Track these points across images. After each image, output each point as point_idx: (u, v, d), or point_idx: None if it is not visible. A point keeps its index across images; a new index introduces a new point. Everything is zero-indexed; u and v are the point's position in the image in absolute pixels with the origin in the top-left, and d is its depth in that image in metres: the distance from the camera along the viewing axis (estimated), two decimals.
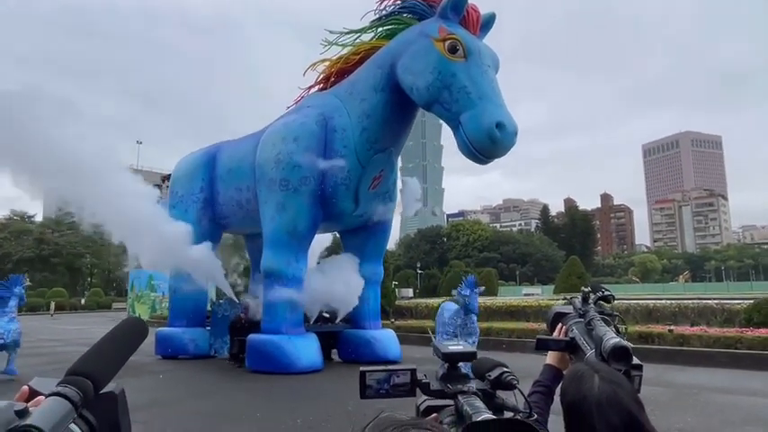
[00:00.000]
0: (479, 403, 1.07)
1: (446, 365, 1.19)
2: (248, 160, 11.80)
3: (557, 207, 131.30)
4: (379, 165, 10.80)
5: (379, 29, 10.88)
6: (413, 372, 1.18)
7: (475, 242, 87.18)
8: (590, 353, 1.60)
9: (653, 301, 18.23)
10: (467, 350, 1.21)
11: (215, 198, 12.99)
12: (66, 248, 63.44)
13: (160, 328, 13.40)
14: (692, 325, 13.69)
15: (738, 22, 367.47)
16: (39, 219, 77.44)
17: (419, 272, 65.95)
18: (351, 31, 11.22)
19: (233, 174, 12.50)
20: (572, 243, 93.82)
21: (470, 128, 8.66)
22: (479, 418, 0.99)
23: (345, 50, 11.30)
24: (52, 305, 45.07)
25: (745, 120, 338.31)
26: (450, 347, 1.21)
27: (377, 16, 10.90)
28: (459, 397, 1.10)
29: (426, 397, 1.17)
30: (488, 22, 10.07)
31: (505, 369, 1.17)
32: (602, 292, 1.84)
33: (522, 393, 1.17)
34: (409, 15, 10.45)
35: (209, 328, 13.16)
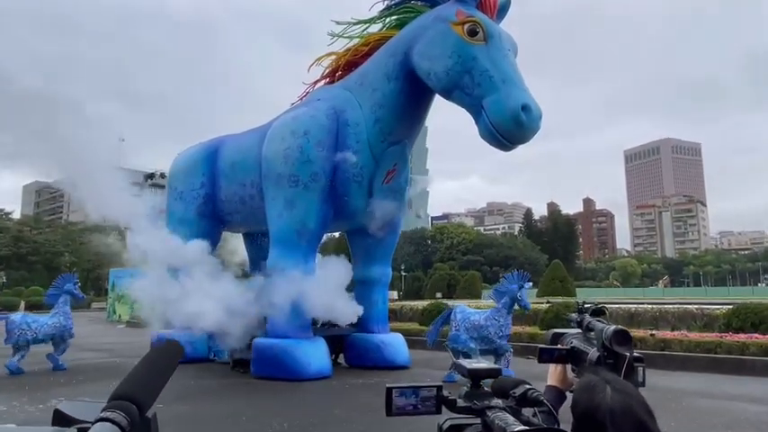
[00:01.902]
0: (510, 417, 1.06)
1: (469, 383, 1.20)
2: (253, 155, 11.22)
3: (540, 211, 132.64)
4: (393, 158, 10.34)
5: (388, 18, 10.54)
6: (439, 389, 1.17)
7: (459, 245, 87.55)
8: (592, 351, 1.65)
9: (634, 306, 18.46)
10: (491, 367, 1.22)
11: (216, 194, 12.27)
12: (44, 247, 62.39)
13: (156, 332, 12.68)
14: (672, 329, 13.85)
15: (714, 34, 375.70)
16: (16, 216, 76.00)
17: (403, 274, 66.06)
18: (359, 22, 10.84)
19: (236, 169, 11.88)
20: (555, 247, 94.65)
21: (495, 112, 8.30)
22: (516, 430, 0.98)
23: (352, 43, 10.89)
24: (22, 304, 44.26)
25: (723, 129, 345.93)
26: (473, 365, 1.21)
27: (385, 6, 10.57)
28: (488, 412, 1.10)
29: (448, 416, 1.16)
30: (504, 6, 9.85)
31: (528, 386, 1.18)
32: (595, 305, 1.97)
33: (551, 408, 1.18)
34: (420, 3, 10.14)
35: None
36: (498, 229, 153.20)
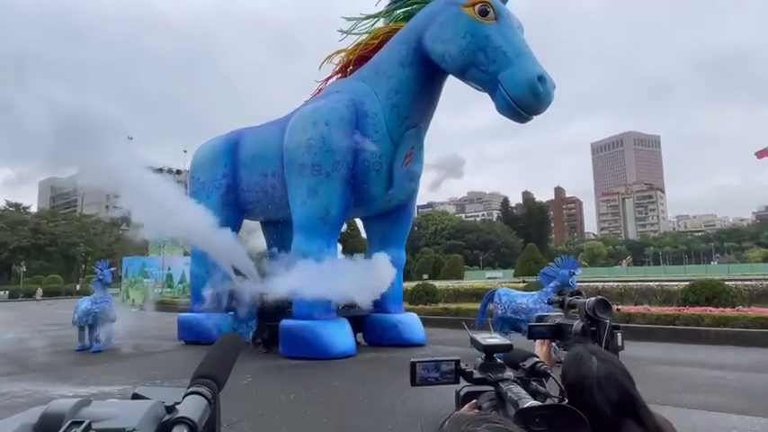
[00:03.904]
0: (521, 390, 1.10)
1: (484, 356, 1.21)
2: (274, 146, 10.89)
3: (516, 199, 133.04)
4: (410, 141, 10.00)
5: (395, 12, 10.33)
6: (457, 362, 1.21)
7: (443, 231, 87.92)
8: (576, 322, 1.75)
9: (600, 283, 18.76)
10: (503, 343, 1.24)
11: (238, 184, 11.91)
12: (60, 238, 61.62)
13: (182, 314, 12.36)
14: (635, 304, 14.10)
15: (668, 38, 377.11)
16: (34, 209, 74.87)
17: None
18: (367, 17, 10.60)
19: (257, 159, 11.47)
20: (529, 231, 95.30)
21: (512, 84, 8.06)
22: (527, 405, 1.01)
23: (361, 38, 10.63)
24: (39, 291, 43.87)
25: (679, 122, 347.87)
26: (488, 340, 1.23)
27: (391, 0, 10.35)
28: (501, 384, 1.13)
29: (465, 384, 1.20)
30: None
31: (537, 359, 1.21)
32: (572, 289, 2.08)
33: (555, 380, 1.21)
34: None
35: (232, 312, 11.93)
36: (478, 216, 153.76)
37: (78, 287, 50.13)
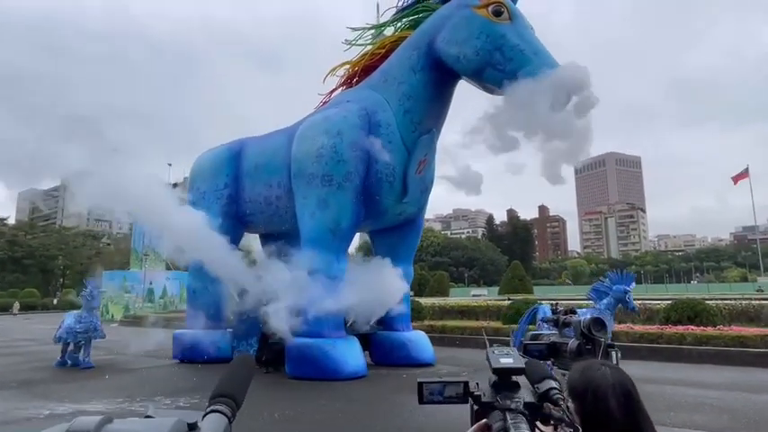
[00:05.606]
0: (525, 427, 1.08)
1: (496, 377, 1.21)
2: (280, 155, 10.48)
3: (500, 217, 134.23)
4: (424, 147, 9.74)
5: (401, 22, 10.28)
6: (465, 384, 1.21)
7: (428, 247, 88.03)
8: (571, 341, 1.79)
9: (584, 302, 18.88)
10: (516, 366, 1.22)
11: (240, 195, 11.42)
12: (38, 250, 60.23)
13: (177, 330, 11.71)
14: (619, 322, 14.21)
15: (644, 62, 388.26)
16: (11, 221, 73.38)
17: None
18: (373, 26, 10.53)
19: (261, 169, 11.03)
20: (514, 249, 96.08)
21: None
22: None
23: (367, 49, 10.54)
24: (15, 305, 42.75)
25: (658, 144, 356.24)
26: (501, 361, 1.22)
27: (397, 9, 10.34)
28: (508, 416, 1.11)
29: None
30: None
31: (553, 385, 1.21)
32: (566, 308, 2.16)
33: (566, 411, 1.20)
34: (433, 1, 9.86)
35: (230, 329, 11.40)
36: (463, 233, 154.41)
37: (55, 301, 48.93)
